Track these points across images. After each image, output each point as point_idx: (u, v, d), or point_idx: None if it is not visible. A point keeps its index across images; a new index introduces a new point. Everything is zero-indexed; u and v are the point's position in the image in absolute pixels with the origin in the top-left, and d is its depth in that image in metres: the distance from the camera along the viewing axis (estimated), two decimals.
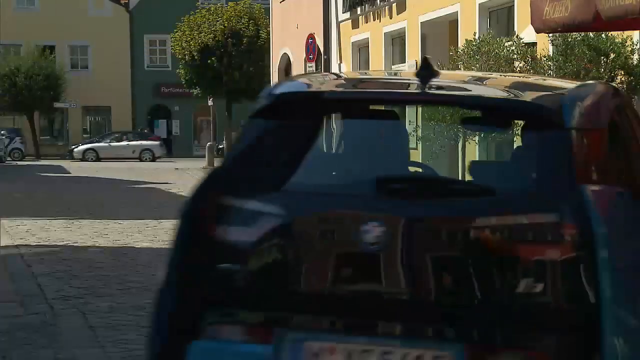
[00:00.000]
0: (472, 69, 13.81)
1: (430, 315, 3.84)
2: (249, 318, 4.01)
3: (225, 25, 42.91)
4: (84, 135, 64.58)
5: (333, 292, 3.94)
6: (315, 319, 3.95)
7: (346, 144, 4.88)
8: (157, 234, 16.30)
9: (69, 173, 40.47)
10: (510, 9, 15.54)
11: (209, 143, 46.72)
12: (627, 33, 11.95)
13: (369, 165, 4.49)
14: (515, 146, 4.86)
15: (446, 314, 3.83)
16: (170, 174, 38.01)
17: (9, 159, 53.91)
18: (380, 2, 20.67)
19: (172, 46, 46.61)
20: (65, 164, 48.65)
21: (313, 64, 25.01)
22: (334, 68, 23.88)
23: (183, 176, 36.00)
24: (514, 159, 4.75)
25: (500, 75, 6.63)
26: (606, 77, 11.81)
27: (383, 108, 4.88)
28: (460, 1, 16.88)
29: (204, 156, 46.29)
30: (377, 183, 3.98)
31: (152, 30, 64.48)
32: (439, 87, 4.46)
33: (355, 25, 22.40)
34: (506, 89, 4.61)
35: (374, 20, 21.13)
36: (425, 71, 4.35)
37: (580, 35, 11.94)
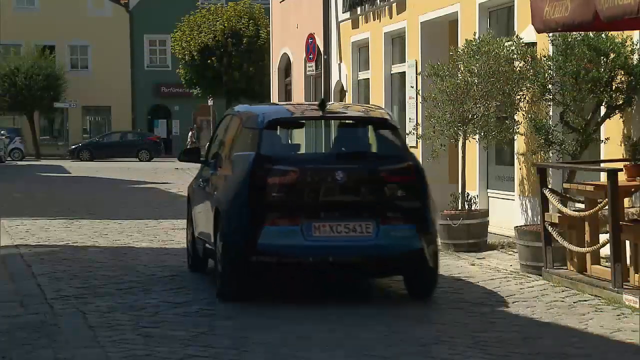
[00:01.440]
0: (472, 69, 13.81)
1: (362, 208, 9.66)
2: (290, 214, 9.53)
3: (225, 25, 42.91)
4: (84, 135, 64.60)
5: (323, 200, 9.64)
6: (316, 213, 9.55)
7: (306, 140, 12.85)
8: (156, 234, 16.31)
9: (69, 173, 40.47)
10: (510, 9, 15.51)
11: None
12: (627, 33, 11.93)
13: (326, 147, 12.93)
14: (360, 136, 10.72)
15: (369, 207, 9.66)
16: (170, 174, 38.03)
17: (9, 159, 53.90)
18: (380, 2, 20.64)
19: (172, 46, 46.62)
20: (65, 164, 48.62)
21: (313, 64, 24.98)
22: (334, 68, 23.86)
23: (183, 176, 35.99)
24: (383, 144, 10.44)
25: (359, 105, 14.42)
26: (606, 77, 11.80)
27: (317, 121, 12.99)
28: (460, 1, 16.86)
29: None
30: (337, 155, 10.44)
31: (152, 30, 64.44)
32: (333, 112, 11.45)
33: (355, 25, 22.37)
34: (367, 112, 11.46)
35: (374, 20, 21.09)
36: (322, 106, 10.40)
37: (580, 35, 11.92)
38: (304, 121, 11.84)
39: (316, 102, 10.87)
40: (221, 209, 9.99)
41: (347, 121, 11.15)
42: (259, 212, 9.55)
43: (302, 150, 11.87)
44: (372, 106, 12.77)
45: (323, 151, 12.19)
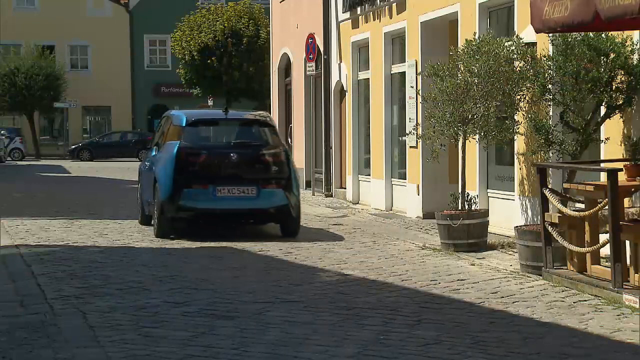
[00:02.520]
0: (472, 69, 13.81)
1: (249, 178, 15.50)
2: (202, 181, 15.42)
3: (225, 25, 42.87)
4: (84, 135, 64.59)
5: (223, 173, 15.51)
6: (219, 181, 15.40)
7: (214, 133, 16.88)
8: None
9: (69, 173, 40.46)
10: (510, 9, 15.51)
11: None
12: (627, 33, 11.93)
13: (227, 138, 16.56)
14: (252, 132, 16.50)
15: (253, 177, 15.56)
16: None
17: (9, 159, 53.89)
18: (380, 2, 20.65)
19: (172, 46, 46.55)
20: (65, 163, 48.56)
21: (313, 64, 24.98)
22: (334, 68, 23.87)
23: None
24: (264, 137, 16.23)
25: (251, 112, 19.06)
26: (606, 77, 11.80)
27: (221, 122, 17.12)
28: (460, 1, 16.86)
29: None
30: (234, 143, 16.13)
31: (152, 30, 64.45)
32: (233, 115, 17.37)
33: (355, 25, 22.37)
34: (255, 115, 17.56)
35: (374, 20, 21.10)
36: (226, 111, 17.04)
37: (580, 35, 11.91)
38: (213, 121, 16.94)
39: (223, 109, 17.25)
40: (158, 179, 15.56)
41: (241, 122, 17.08)
42: (182, 180, 15.28)
43: (211, 141, 16.54)
44: (260, 112, 18.72)
45: (225, 141, 16.50)
